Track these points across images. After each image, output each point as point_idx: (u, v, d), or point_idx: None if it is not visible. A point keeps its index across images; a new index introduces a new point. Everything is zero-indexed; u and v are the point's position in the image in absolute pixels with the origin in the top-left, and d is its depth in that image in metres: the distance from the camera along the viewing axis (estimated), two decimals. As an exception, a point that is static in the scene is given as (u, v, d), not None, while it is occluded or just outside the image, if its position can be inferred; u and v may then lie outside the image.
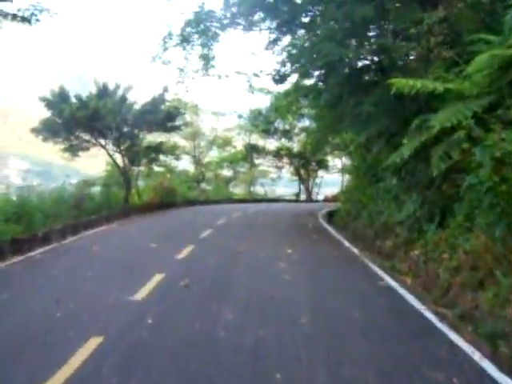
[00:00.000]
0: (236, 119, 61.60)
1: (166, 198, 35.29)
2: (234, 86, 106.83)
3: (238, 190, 63.52)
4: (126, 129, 29.58)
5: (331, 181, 70.66)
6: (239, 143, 63.14)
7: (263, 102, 61.93)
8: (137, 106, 29.53)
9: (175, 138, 51.74)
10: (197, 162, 54.92)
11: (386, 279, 10.82)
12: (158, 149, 31.23)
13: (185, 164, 55.83)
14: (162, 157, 33.72)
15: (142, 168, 35.36)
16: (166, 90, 29.68)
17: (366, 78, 18.67)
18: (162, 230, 19.23)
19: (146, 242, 15.31)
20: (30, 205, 18.08)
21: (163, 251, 13.65)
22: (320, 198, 65.63)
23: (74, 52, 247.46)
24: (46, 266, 12.24)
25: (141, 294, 8.87)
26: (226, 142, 60.34)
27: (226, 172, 64.00)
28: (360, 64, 18.18)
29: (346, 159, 65.46)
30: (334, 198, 64.40)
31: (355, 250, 14.67)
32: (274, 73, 20.79)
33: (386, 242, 15.39)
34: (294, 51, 19.46)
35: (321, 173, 66.69)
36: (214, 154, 61.94)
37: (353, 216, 22.20)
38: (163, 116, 30.02)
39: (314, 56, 17.11)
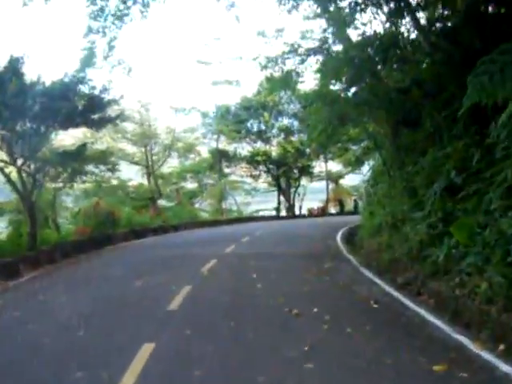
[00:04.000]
0: (199, 118, 50.16)
1: (103, 227, 24.05)
2: (196, 78, 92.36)
3: (205, 206, 52.10)
4: (25, 124, 18.24)
5: (312, 190, 59.94)
6: (204, 149, 51.77)
7: (231, 99, 51.42)
8: (40, 87, 18.16)
9: (122, 144, 40.49)
10: (150, 173, 42.93)
11: None
12: (79, 155, 19.69)
13: (135, 177, 44.10)
14: (91, 167, 22.37)
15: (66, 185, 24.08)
16: (86, 63, 18.35)
17: None
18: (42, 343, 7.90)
19: None
20: None
21: None
22: (303, 211, 55.01)
23: None
24: None
25: None
26: (188, 148, 48.50)
27: (190, 185, 52.45)
28: None
29: (334, 163, 55.43)
30: (322, 212, 54.33)
31: None
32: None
33: None
34: None
35: (302, 181, 56.04)
36: (173, 163, 50.33)
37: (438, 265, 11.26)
38: (85, 103, 18.78)
39: None
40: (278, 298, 9.57)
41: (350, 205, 57.94)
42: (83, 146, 20.22)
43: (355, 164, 36.83)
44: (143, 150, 42.02)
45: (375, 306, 9.05)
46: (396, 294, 10.15)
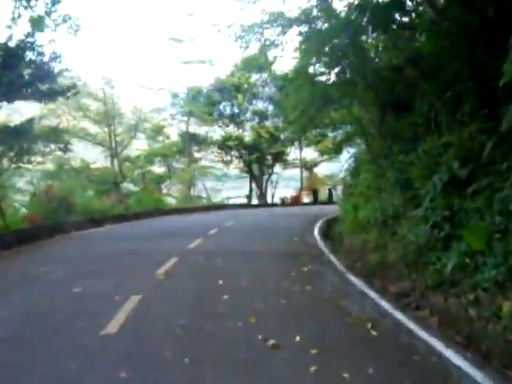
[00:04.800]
0: (168, 99, 47.42)
1: (56, 214, 21.61)
2: (166, 56, 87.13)
3: (173, 192, 49.56)
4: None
5: (285, 178, 57.66)
6: (174, 131, 49.14)
7: (203, 80, 49.00)
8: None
9: (84, 123, 37.84)
10: (114, 155, 40.09)
11: None
12: (25, 132, 17.18)
13: (98, 159, 41.40)
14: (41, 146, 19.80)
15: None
16: (37, 25, 15.81)
17: None
18: None
19: None
20: None
21: None
22: (276, 200, 53.02)
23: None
24: None
25: None
26: (156, 129, 45.81)
27: (158, 169, 49.78)
28: None
29: (310, 150, 53.51)
30: (295, 201, 52.13)
31: None
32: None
33: None
34: None
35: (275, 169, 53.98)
36: (141, 146, 47.66)
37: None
38: (32, 71, 16.31)
39: None
40: (249, 318, 7.42)
41: (323, 194, 56.25)
42: (29, 121, 17.70)
43: (333, 151, 34.53)
44: (106, 130, 39.30)
45: (374, 332, 6.95)
46: (396, 313, 8.02)
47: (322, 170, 58.33)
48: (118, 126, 40.22)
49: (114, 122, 39.05)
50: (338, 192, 57.43)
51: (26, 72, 16.45)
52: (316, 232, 20.30)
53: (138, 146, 47.19)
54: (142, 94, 50.51)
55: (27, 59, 16.27)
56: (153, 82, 65.36)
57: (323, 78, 18.99)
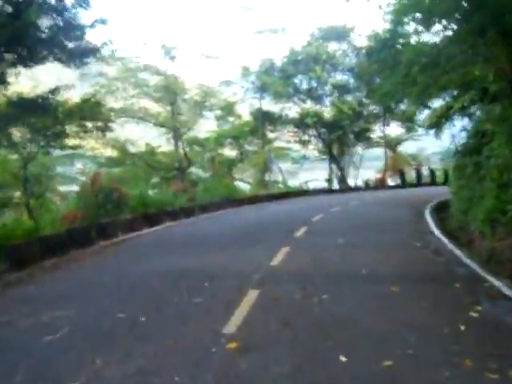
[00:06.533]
0: (238, 73, 42.60)
1: (103, 211, 17.44)
2: (236, 26, 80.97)
3: (246, 177, 44.91)
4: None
5: (365, 158, 51.71)
6: (245, 110, 44.21)
7: (276, 52, 43.99)
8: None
9: (144, 101, 33.77)
10: (177, 137, 35.49)
11: None
12: (46, 106, 12.81)
13: (158, 141, 37.14)
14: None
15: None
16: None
17: None
18: None
19: None
20: None
21: None
22: (359, 183, 47.78)
23: None
24: None
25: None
26: (225, 107, 40.80)
27: (229, 152, 45.14)
28: None
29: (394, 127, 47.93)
30: (381, 184, 46.70)
31: None
32: None
33: None
34: None
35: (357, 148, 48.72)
36: (210, 127, 43.12)
37: None
38: (53, 24, 11.94)
39: None
40: None
41: (409, 175, 50.62)
42: (52, 92, 13.27)
43: (436, 125, 28.58)
44: (169, 108, 34.77)
45: None
46: None
47: (405, 148, 52.83)
48: (182, 103, 35.61)
49: (177, 98, 34.40)
50: (425, 172, 51.90)
51: (45, 25, 12.11)
52: (435, 230, 15.16)
53: (207, 128, 42.70)
54: (207, 67, 45.98)
55: (44, 8, 11.84)
56: (220, 53, 60.53)
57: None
